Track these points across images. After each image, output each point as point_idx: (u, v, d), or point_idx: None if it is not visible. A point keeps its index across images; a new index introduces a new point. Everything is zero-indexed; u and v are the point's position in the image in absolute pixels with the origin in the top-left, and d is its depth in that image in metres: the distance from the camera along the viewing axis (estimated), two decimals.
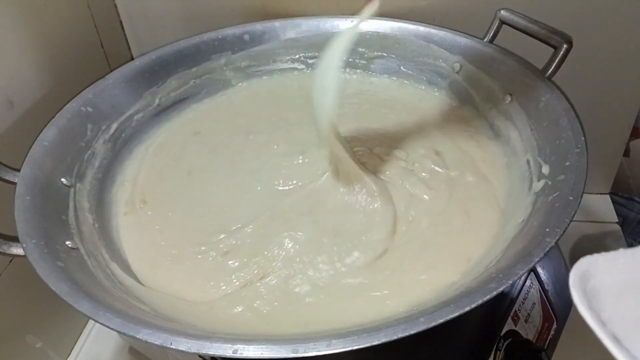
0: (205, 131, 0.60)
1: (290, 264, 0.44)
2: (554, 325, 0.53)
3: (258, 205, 0.50)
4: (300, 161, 0.54)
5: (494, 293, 0.33)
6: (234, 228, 0.48)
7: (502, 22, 0.54)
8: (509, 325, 0.46)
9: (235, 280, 0.44)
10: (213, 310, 0.42)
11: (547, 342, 0.53)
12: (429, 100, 0.61)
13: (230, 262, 0.46)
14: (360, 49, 0.63)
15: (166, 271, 0.46)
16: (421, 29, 0.60)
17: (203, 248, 0.47)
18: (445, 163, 0.52)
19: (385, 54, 0.63)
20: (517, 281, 0.47)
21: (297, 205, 0.49)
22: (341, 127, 0.47)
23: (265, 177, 0.53)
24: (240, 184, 0.53)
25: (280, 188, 0.52)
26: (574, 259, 0.55)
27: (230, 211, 0.50)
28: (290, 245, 0.46)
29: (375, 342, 0.31)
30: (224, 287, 0.44)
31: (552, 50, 0.49)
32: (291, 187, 0.51)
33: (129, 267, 0.47)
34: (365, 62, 0.64)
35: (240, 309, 0.42)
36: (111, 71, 0.57)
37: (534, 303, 0.50)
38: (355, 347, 0.31)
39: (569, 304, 0.56)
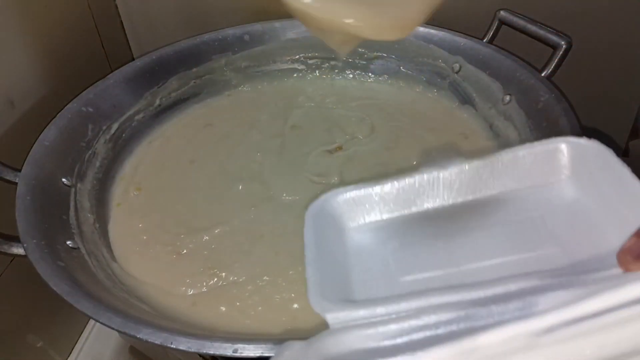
0: (217, 124, 0.60)
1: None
2: None
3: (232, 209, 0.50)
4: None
5: None
6: (199, 228, 0.48)
7: (502, 22, 0.54)
8: None
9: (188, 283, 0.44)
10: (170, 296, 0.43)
11: None
12: (427, 101, 0.61)
13: (183, 264, 0.45)
14: (360, 49, 0.63)
15: (139, 259, 0.46)
16: (421, 29, 0.60)
17: (167, 243, 0.47)
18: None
19: (384, 55, 0.63)
20: None
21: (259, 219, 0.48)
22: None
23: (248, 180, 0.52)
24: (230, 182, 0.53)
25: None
26: None
27: (204, 209, 0.50)
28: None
29: None
30: (183, 289, 0.44)
31: (551, 50, 0.49)
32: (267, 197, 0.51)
33: (114, 254, 0.47)
34: (364, 62, 0.64)
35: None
36: (112, 71, 0.57)
37: None
38: None
39: None
